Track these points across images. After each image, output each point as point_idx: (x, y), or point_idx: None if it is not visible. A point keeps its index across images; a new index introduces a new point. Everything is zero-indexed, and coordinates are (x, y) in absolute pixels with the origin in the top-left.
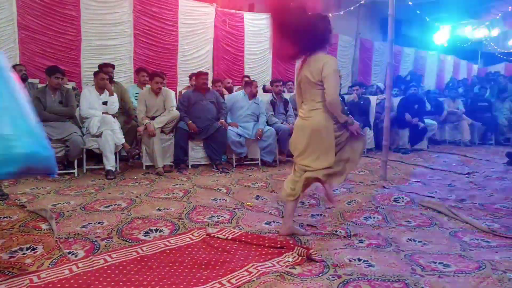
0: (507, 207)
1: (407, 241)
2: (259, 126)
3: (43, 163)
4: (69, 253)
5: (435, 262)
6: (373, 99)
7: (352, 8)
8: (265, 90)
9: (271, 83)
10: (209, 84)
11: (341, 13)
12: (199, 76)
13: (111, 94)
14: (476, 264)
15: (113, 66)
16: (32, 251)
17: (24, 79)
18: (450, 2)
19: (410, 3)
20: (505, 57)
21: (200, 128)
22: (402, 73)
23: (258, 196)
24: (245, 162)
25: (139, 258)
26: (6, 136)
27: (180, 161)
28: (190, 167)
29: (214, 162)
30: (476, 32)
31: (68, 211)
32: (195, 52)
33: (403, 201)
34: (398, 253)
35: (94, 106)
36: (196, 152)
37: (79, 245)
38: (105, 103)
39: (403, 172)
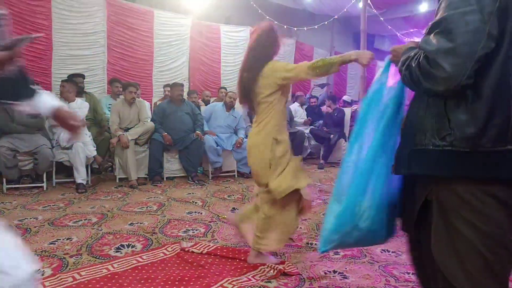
0: None
1: (381, 252)
2: (239, 136)
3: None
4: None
5: (408, 273)
6: (348, 111)
7: (326, 22)
8: None
9: None
10: (185, 96)
11: (316, 27)
12: (174, 88)
13: (71, 101)
14: None
15: (83, 76)
16: None
17: None
18: (418, 19)
19: (381, 19)
20: None
21: (175, 139)
22: None
23: (234, 208)
24: (221, 174)
25: (109, 275)
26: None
27: (154, 173)
28: (165, 179)
29: (190, 174)
30: None
31: (35, 227)
32: (170, 63)
33: None
34: (372, 264)
35: None
36: (172, 164)
37: (46, 262)
38: None
39: None
